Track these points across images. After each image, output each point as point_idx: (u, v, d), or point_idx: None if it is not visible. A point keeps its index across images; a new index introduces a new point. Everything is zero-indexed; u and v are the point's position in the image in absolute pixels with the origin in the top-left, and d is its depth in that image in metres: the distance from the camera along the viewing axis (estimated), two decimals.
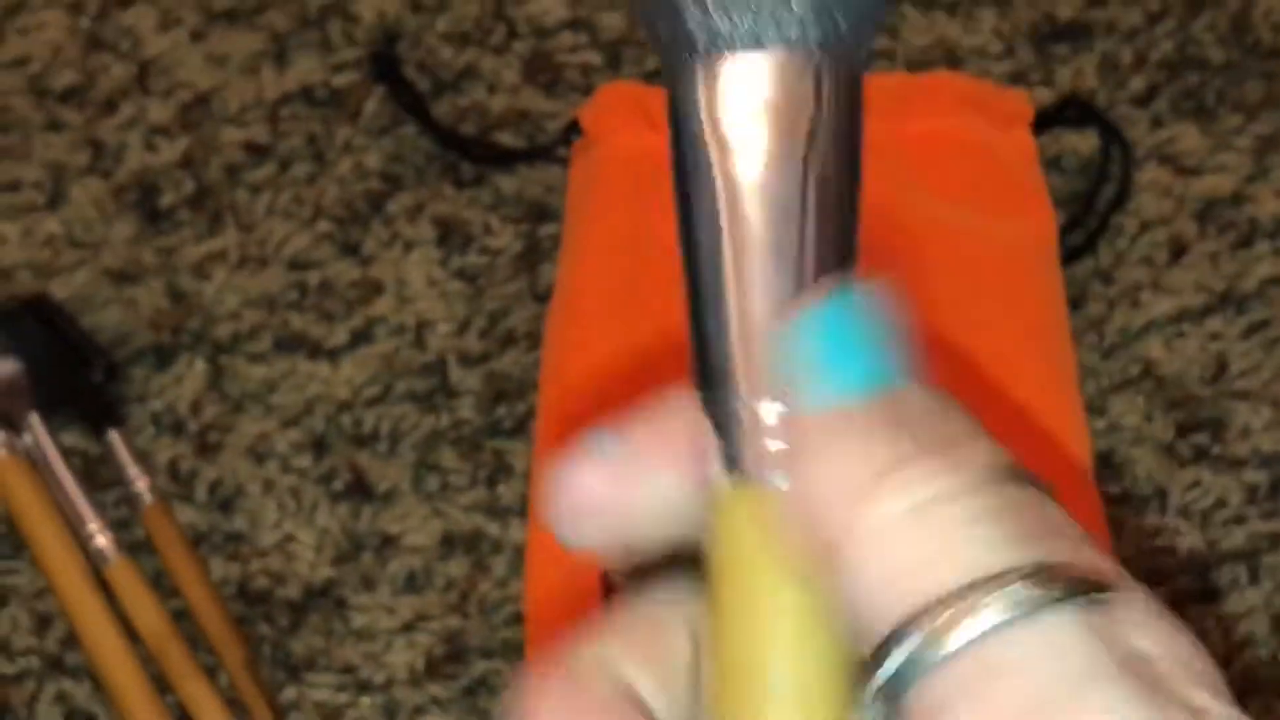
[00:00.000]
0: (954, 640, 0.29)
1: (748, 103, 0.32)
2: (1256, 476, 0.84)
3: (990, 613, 0.28)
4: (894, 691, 0.29)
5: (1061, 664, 0.28)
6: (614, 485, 0.33)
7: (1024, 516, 0.30)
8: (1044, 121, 0.91)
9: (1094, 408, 0.85)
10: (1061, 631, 0.29)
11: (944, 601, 0.29)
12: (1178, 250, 0.90)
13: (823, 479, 0.30)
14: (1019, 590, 0.29)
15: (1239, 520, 0.83)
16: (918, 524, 0.29)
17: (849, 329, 0.31)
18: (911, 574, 0.29)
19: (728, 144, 0.32)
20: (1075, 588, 0.29)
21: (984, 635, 0.28)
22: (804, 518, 0.31)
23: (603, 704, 0.32)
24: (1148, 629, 0.29)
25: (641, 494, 0.33)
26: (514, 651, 0.82)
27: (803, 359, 0.31)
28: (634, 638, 0.33)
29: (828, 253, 0.32)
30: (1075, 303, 0.88)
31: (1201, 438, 0.85)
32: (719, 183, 0.32)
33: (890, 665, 0.29)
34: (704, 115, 0.32)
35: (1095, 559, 0.30)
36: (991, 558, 0.29)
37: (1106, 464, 0.84)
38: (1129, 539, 0.82)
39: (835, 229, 0.32)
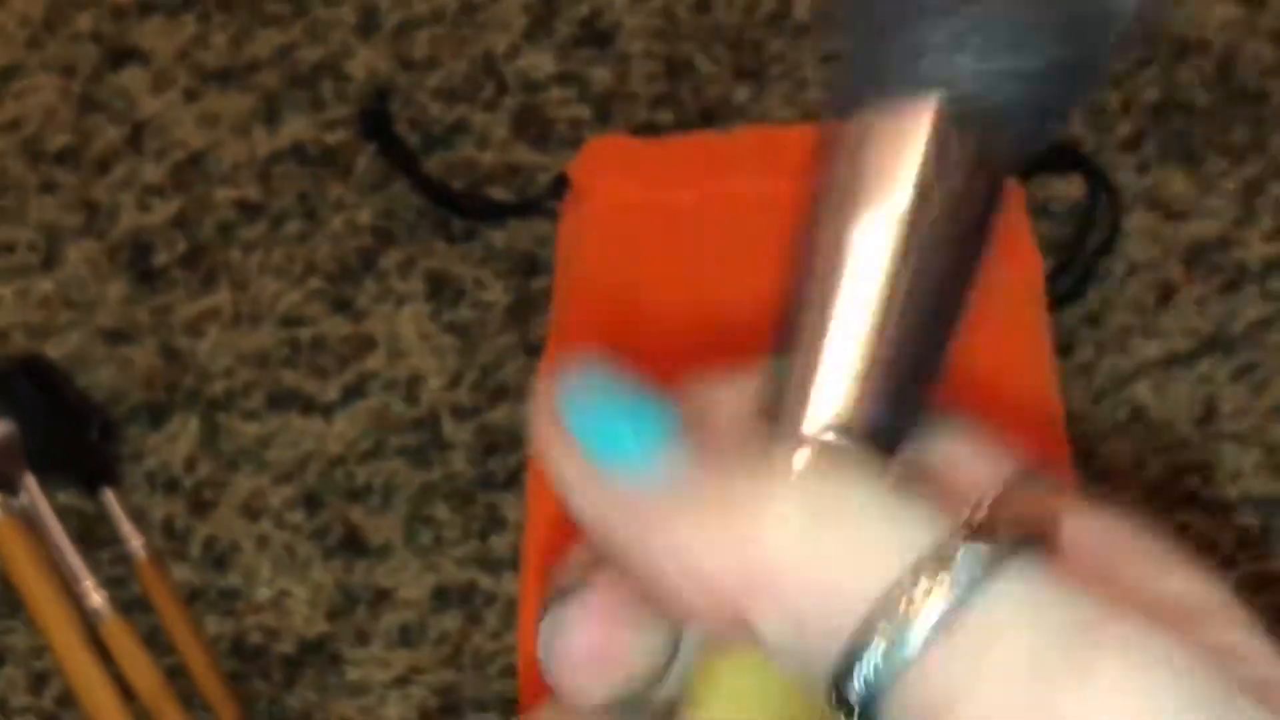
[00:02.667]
0: (919, 629, 0.27)
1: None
2: (1247, 519, 0.84)
3: (944, 590, 0.27)
4: (872, 707, 0.27)
5: (1053, 612, 0.27)
6: (606, 635, 0.32)
7: (915, 488, 0.29)
8: (1031, 167, 0.91)
9: (1084, 452, 0.85)
10: (1032, 584, 0.27)
11: (889, 598, 0.27)
12: (1166, 294, 0.90)
13: (694, 553, 0.29)
14: (965, 556, 0.27)
15: (1230, 564, 0.83)
16: (820, 539, 0.28)
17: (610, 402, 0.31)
18: (841, 585, 0.28)
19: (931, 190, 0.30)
20: (1019, 538, 0.27)
21: (949, 614, 0.27)
22: (700, 591, 0.29)
23: None
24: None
25: (632, 639, 0.32)
26: (508, 704, 0.82)
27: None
28: None
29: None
30: (1064, 348, 0.88)
31: (1192, 481, 0.85)
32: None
33: (860, 678, 0.27)
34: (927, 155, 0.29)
35: (1016, 505, 0.28)
36: (916, 535, 0.27)
37: None
38: None
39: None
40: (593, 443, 0.30)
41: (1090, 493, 0.32)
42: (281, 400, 0.90)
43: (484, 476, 0.88)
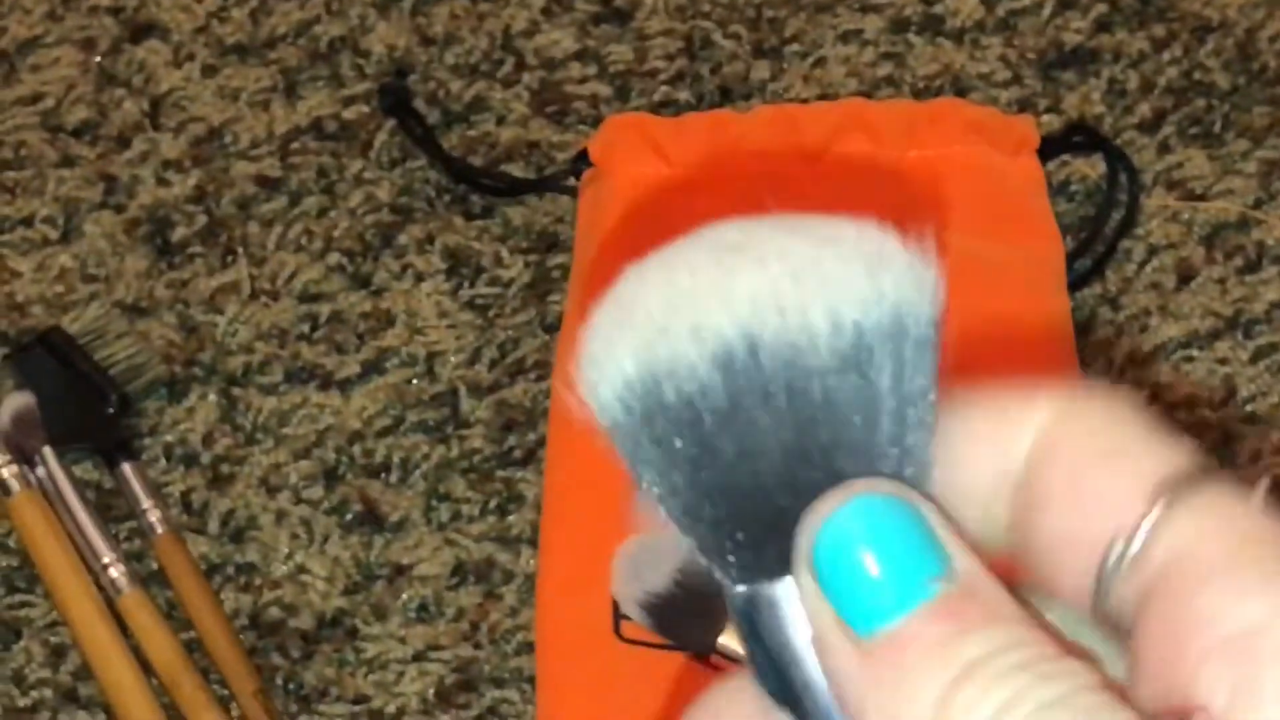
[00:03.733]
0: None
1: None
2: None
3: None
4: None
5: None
6: None
7: None
8: (1051, 148, 0.91)
9: None
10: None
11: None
12: (1185, 275, 0.90)
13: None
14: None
15: None
16: None
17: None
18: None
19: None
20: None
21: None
22: None
23: None
24: None
25: None
26: (525, 681, 0.83)
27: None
28: None
29: None
30: (1083, 328, 0.88)
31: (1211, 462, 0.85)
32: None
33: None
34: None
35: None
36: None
37: None
38: None
39: None
40: (849, 604, 0.31)
41: None
42: (300, 375, 0.90)
43: (502, 453, 0.88)
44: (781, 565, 0.32)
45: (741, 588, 0.33)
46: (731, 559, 0.33)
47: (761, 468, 0.32)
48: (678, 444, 0.32)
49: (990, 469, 0.33)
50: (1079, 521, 0.31)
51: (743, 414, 0.32)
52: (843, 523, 0.31)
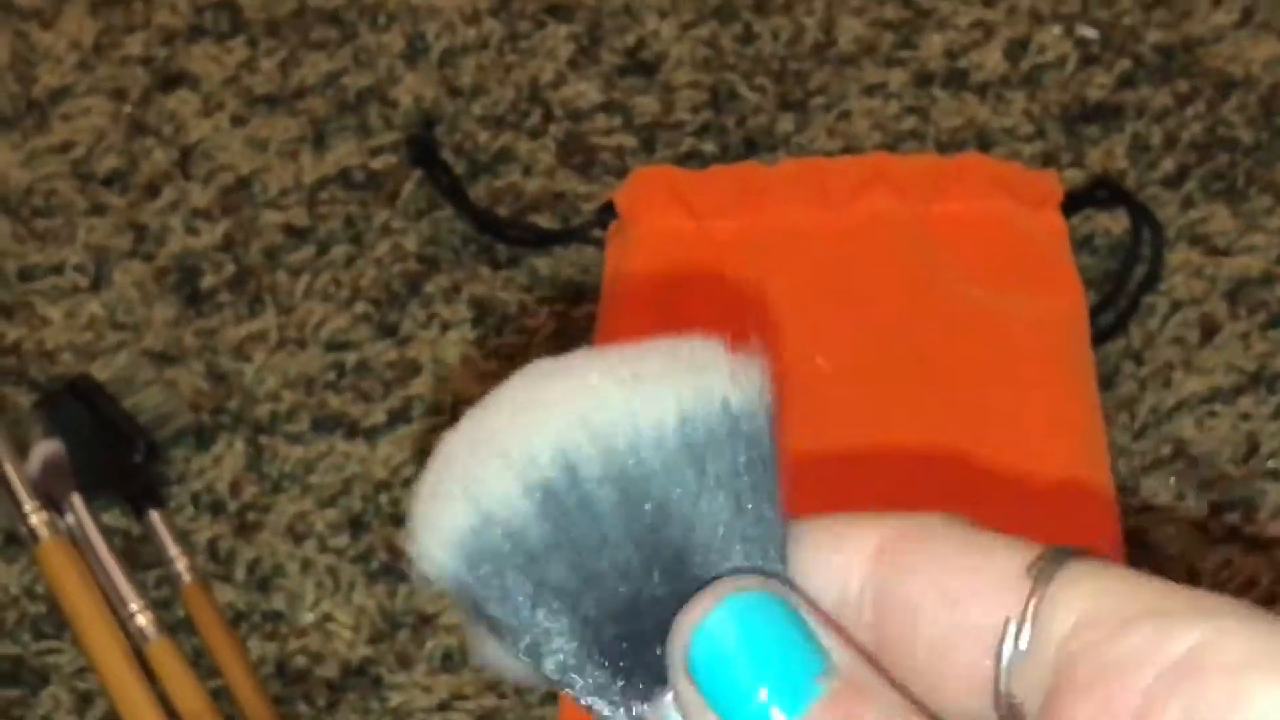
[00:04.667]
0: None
1: None
2: None
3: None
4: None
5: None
6: None
7: None
8: (1075, 202, 0.92)
9: (1126, 487, 0.85)
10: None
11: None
12: (1209, 330, 0.90)
13: None
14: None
15: (1270, 600, 0.83)
16: None
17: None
18: None
19: None
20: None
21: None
22: None
23: None
24: None
25: None
26: None
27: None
28: None
29: None
30: (1107, 382, 0.88)
31: (1233, 517, 0.85)
32: None
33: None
34: None
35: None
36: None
37: (1138, 543, 0.84)
38: None
39: None
40: (737, 713, 0.31)
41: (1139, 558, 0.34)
42: (326, 424, 0.91)
43: None
44: (662, 682, 0.32)
45: (626, 716, 0.32)
46: (616, 687, 0.32)
47: (614, 588, 0.31)
48: (521, 587, 0.32)
49: (833, 589, 0.33)
50: (958, 619, 0.31)
51: (579, 538, 0.31)
52: (717, 626, 0.30)
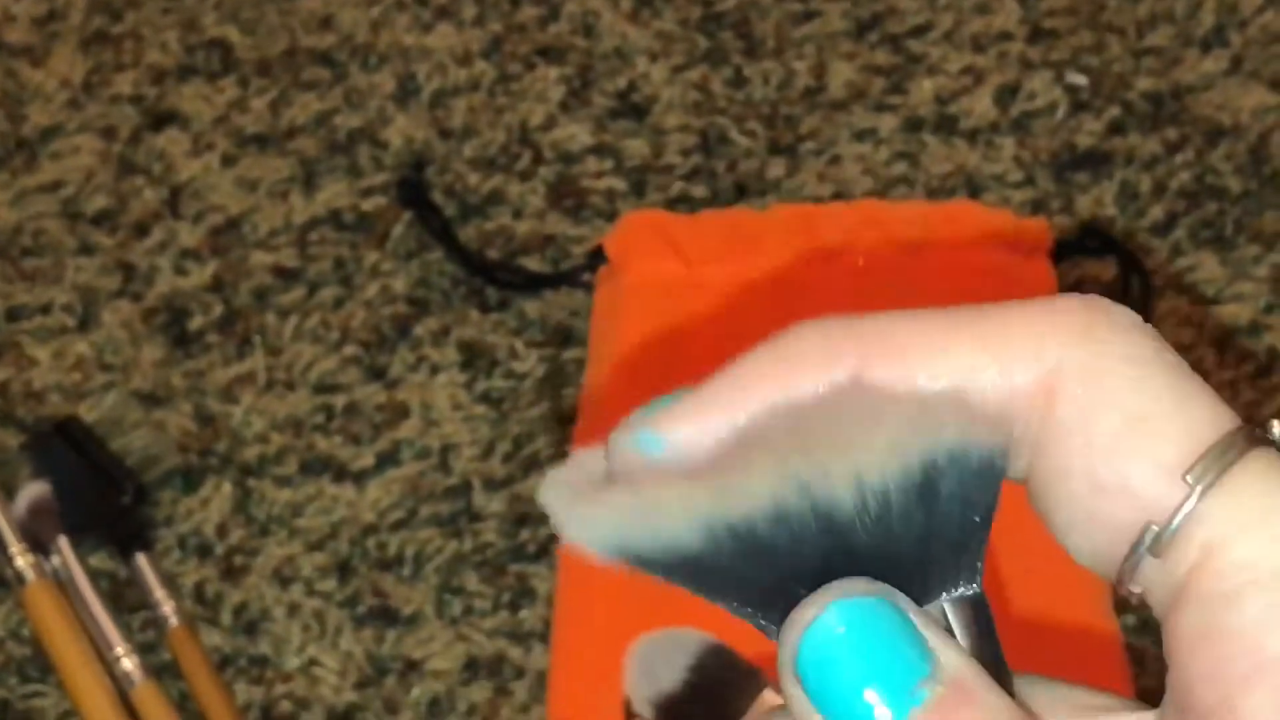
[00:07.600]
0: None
1: None
2: None
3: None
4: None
5: None
6: None
7: None
8: (1064, 250, 0.92)
9: None
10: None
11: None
12: None
13: None
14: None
15: None
16: None
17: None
18: None
19: None
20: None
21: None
22: None
23: None
24: None
25: None
26: None
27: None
28: None
29: None
30: None
31: None
32: None
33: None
34: None
35: None
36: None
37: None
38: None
39: None
40: (842, 716, 0.31)
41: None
42: (314, 467, 0.91)
43: (515, 548, 0.88)
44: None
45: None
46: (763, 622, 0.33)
47: (781, 589, 0.32)
48: (682, 581, 0.32)
49: (996, 391, 0.32)
50: (1104, 503, 0.31)
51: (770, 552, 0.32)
52: (825, 629, 0.31)
